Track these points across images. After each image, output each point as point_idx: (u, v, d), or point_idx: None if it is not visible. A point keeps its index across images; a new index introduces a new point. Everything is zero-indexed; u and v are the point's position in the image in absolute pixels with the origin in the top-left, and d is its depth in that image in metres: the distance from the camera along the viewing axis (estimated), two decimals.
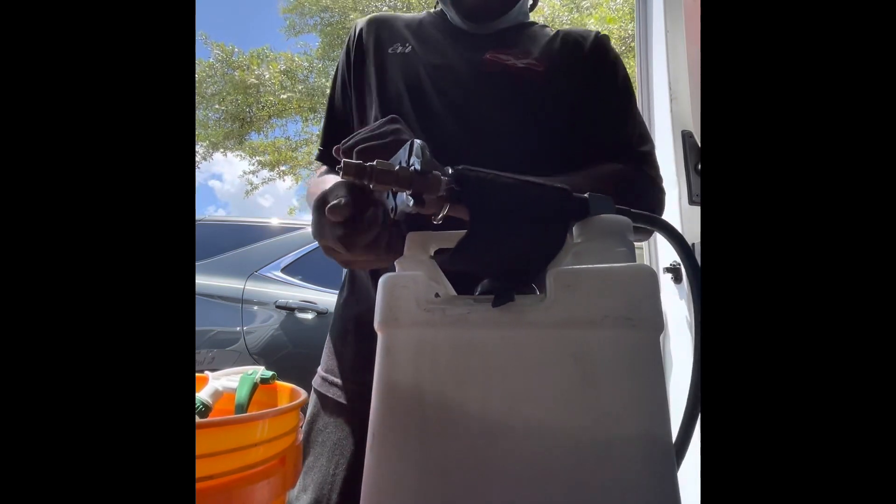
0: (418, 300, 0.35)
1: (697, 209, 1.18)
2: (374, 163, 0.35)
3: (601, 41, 0.74)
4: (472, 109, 0.68)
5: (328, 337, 0.78)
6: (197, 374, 0.55)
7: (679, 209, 1.19)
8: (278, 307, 2.08)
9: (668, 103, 1.24)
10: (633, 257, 0.35)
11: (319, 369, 0.78)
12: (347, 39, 0.80)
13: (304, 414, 0.73)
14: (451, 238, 0.39)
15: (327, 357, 0.76)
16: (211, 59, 7.44)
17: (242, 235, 2.34)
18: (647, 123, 1.35)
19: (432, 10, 0.83)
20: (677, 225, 1.18)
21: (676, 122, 1.22)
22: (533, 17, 0.85)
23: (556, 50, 0.72)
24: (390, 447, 0.33)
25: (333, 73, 0.82)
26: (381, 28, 0.78)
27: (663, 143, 1.25)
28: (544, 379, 0.31)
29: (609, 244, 0.35)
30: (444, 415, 0.32)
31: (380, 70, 0.74)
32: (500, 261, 0.36)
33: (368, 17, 0.81)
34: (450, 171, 0.36)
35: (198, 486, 0.35)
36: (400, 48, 0.74)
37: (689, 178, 1.19)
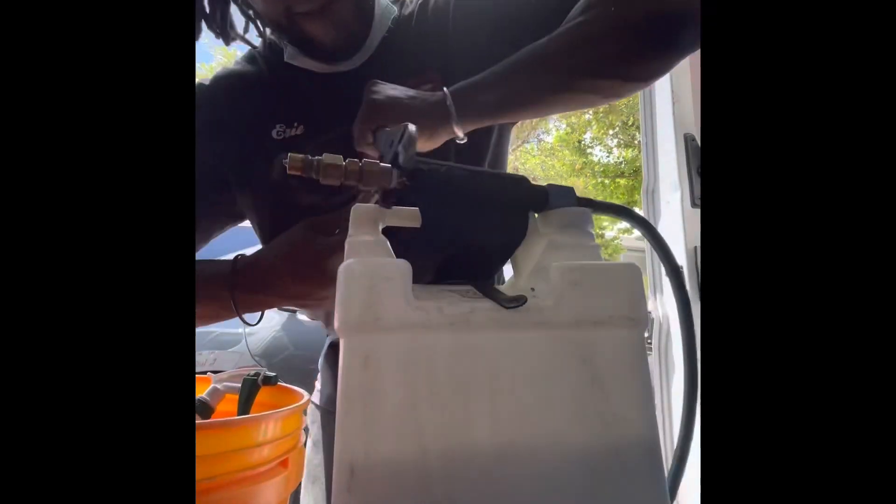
0: (407, 296, 0.29)
1: (699, 212, 1.18)
2: (322, 156, 0.35)
3: None
4: None
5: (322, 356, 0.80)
6: (198, 376, 0.55)
7: (681, 212, 1.19)
8: (280, 308, 2.08)
9: (670, 106, 1.24)
10: (599, 252, 0.35)
11: (318, 385, 0.80)
12: (198, 104, 0.63)
13: (306, 416, 0.73)
14: (402, 214, 0.35)
15: (325, 374, 0.79)
16: (213, 63, 7.46)
17: (244, 236, 2.34)
18: (649, 126, 1.36)
19: (263, 51, 0.67)
20: (679, 228, 1.18)
21: (679, 124, 1.22)
22: None
23: (431, 31, 0.63)
24: (384, 492, 0.26)
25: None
26: (245, 100, 0.65)
27: (666, 145, 1.25)
28: (555, 384, 0.30)
29: (579, 238, 0.35)
30: (448, 437, 0.27)
31: (268, 161, 0.61)
32: (456, 251, 0.35)
33: (216, 81, 0.67)
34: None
35: (200, 487, 0.35)
36: (287, 130, 0.62)
37: (691, 180, 1.19)
